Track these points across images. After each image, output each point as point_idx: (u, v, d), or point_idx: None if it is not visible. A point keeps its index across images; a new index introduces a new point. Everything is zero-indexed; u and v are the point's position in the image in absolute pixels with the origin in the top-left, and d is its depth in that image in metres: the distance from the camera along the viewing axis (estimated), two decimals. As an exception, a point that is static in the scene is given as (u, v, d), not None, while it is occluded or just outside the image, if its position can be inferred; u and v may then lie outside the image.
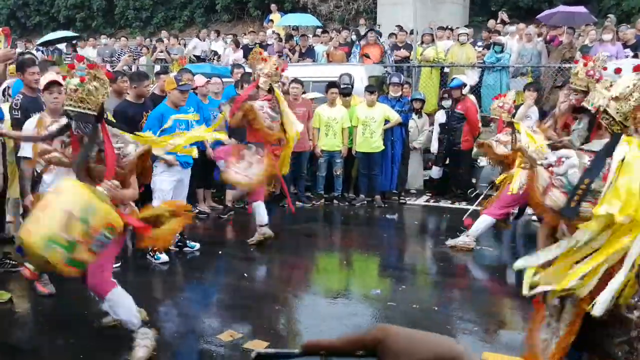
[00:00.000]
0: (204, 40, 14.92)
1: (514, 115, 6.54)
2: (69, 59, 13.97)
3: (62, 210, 3.24)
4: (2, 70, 5.35)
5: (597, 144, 2.97)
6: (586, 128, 3.08)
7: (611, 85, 3.00)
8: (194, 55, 13.83)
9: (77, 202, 3.30)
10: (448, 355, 0.66)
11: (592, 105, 3.04)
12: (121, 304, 3.82)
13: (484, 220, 6.37)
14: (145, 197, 7.00)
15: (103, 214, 3.36)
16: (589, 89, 5.19)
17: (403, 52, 11.27)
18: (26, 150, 4.93)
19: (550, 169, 2.95)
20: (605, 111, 2.95)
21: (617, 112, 2.91)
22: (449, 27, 12.41)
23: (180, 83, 6.09)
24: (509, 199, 6.15)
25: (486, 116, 8.58)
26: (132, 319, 3.84)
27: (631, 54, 9.93)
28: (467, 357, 0.66)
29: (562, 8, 11.83)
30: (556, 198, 2.90)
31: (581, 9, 11.87)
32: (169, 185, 6.04)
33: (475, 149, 8.18)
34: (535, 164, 3.00)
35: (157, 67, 11.98)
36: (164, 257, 5.97)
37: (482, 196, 7.48)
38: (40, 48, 14.89)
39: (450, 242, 6.56)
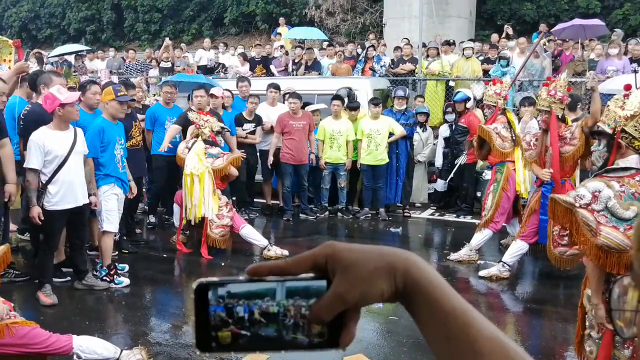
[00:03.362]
0: (209, 50, 15.06)
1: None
2: (79, 71, 14.15)
3: None
4: (15, 83, 5.42)
5: (623, 163, 2.92)
6: (606, 149, 3.05)
7: (624, 104, 2.98)
8: (198, 66, 13.95)
9: None
10: (401, 264, 0.64)
11: (608, 126, 3.00)
12: (91, 346, 3.69)
13: (484, 234, 6.40)
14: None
15: None
16: (552, 109, 5.37)
17: (408, 66, 11.32)
18: (31, 161, 4.97)
19: (590, 207, 2.85)
20: (623, 130, 2.92)
21: (636, 129, 2.89)
22: (452, 41, 12.42)
23: (119, 94, 5.76)
24: (503, 205, 6.34)
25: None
26: (106, 352, 3.76)
27: (639, 68, 9.91)
28: (419, 266, 0.64)
29: (577, 21, 11.82)
30: (611, 235, 2.76)
31: (596, 21, 11.87)
32: (115, 203, 5.78)
33: (479, 163, 8.19)
34: (574, 207, 2.89)
35: (164, 78, 12.07)
36: (125, 281, 5.77)
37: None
38: (52, 60, 15.05)
39: (453, 256, 6.55)
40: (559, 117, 5.50)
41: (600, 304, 2.89)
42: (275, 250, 6.60)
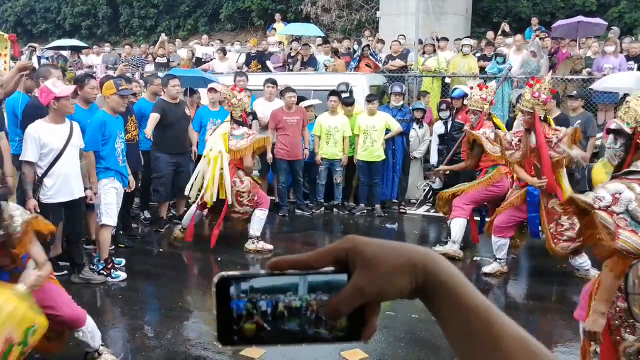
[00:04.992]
0: (207, 45, 15.06)
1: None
2: (74, 65, 14.09)
3: (3, 339, 2.94)
4: (18, 80, 5.39)
5: None
6: (623, 149, 2.91)
7: None
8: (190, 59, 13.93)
9: (18, 326, 2.99)
10: (420, 261, 0.64)
11: (628, 125, 2.88)
12: (94, 331, 3.75)
13: (457, 223, 6.37)
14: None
15: (39, 330, 3.14)
16: (535, 110, 5.33)
17: (398, 62, 11.33)
18: (27, 154, 4.96)
19: (609, 210, 2.70)
20: None
21: None
22: (446, 37, 12.42)
23: (120, 88, 5.76)
24: (475, 197, 6.33)
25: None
26: (96, 345, 3.83)
27: (635, 65, 9.95)
28: (438, 262, 0.65)
29: (579, 19, 11.85)
30: (630, 240, 2.63)
31: (597, 20, 11.92)
32: (114, 197, 5.77)
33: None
34: (593, 208, 2.74)
35: (160, 74, 12.04)
36: (122, 275, 5.75)
37: (427, 189, 8.06)
38: (44, 55, 14.98)
39: (438, 249, 6.50)
40: (541, 118, 5.46)
41: (605, 314, 2.72)
42: (263, 245, 6.66)
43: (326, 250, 0.66)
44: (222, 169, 6.37)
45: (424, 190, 8.61)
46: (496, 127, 6.45)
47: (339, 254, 0.65)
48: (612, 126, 3.02)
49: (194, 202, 6.85)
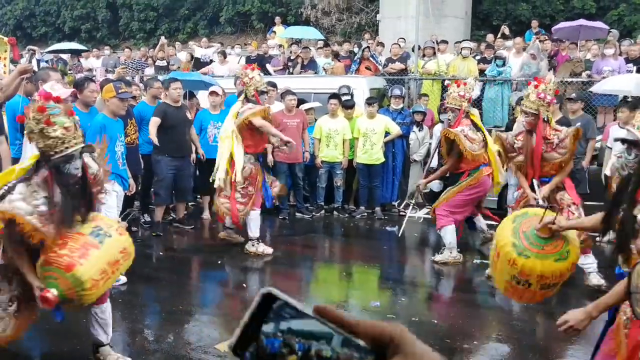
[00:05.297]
0: (207, 48, 15.09)
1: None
2: (74, 69, 14.11)
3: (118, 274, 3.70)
4: (18, 84, 5.39)
5: None
6: (638, 161, 2.74)
7: None
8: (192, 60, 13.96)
9: (126, 267, 3.71)
10: None
11: None
12: (110, 319, 3.85)
13: (445, 231, 6.35)
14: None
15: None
16: (539, 112, 5.22)
17: (398, 65, 11.35)
18: (28, 157, 4.94)
19: None
20: None
21: None
22: (446, 40, 12.45)
23: (120, 91, 5.76)
24: (455, 202, 6.28)
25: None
26: (108, 335, 3.90)
27: (634, 68, 9.97)
28: None
29: (581, 22, 11.88)
30: None
31: (599, 24, 11.97)
32: (114, 200, 5.70)
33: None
34: None
35: (161, 78, 12.04)
36: (122, 279, 5.59)
37: (410, 207, 7.95)
38: (44, 58, 15.00)
39: (438, 257, 6.49)
40: (545, 119, 5.35)
41: (594, 319, 2.69)
42: (264, 249, 6.64)
43: (373, 324, 0.66)
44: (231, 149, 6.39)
45: (414, 208, 8.60)
46: (474, 124, 6.32)
47: (382, 333, 0.66)
48: (628, 136, 2.89)
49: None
